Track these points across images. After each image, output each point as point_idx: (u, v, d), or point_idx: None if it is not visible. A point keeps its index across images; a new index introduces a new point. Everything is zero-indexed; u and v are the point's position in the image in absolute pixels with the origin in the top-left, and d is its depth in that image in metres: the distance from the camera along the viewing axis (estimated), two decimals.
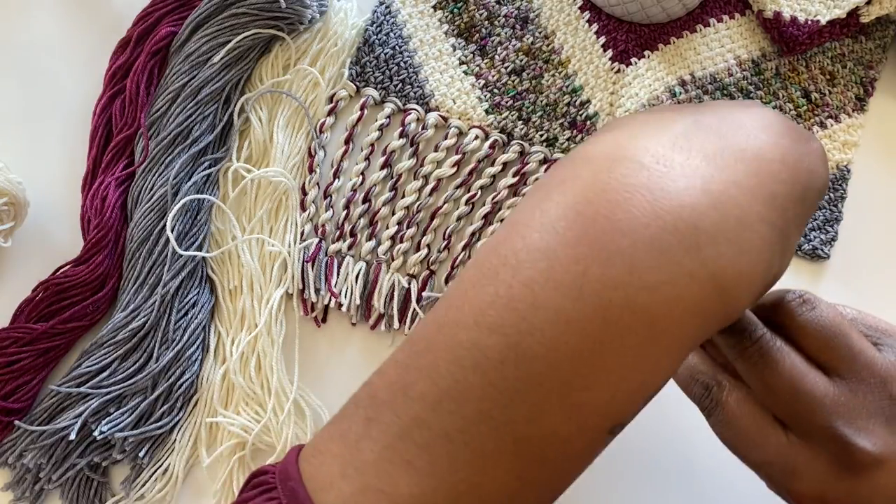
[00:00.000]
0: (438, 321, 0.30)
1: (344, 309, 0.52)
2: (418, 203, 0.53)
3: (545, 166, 0.53)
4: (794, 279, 0.54)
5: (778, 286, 0.52)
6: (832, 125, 0.57)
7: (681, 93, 0.54)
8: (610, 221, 0.28)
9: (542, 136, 0.54)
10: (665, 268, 0.28)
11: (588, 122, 0.54)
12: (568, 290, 0.28)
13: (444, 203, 0.53)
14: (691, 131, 0.31)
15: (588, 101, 0.55)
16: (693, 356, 0.39)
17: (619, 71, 0.55)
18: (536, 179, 0.53)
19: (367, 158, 0.54)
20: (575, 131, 0.54)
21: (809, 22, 0.56)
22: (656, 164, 0.29)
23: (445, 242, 0.52)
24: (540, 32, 0.56)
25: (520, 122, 0.54)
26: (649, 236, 0.28)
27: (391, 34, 0.56)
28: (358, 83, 0.55)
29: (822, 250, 0.54)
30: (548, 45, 0.56)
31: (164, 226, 0.50)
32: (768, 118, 0.33)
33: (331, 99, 0.55)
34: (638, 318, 0.28)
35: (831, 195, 0.55)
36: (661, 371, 0.29)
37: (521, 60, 0.56)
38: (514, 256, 0.29)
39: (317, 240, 0.53)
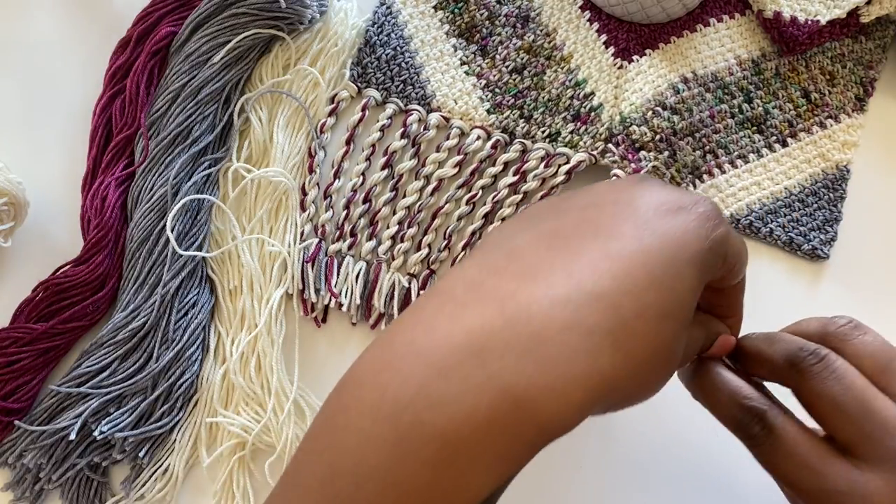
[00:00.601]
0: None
1: (344, 309, 0.52)
2: (419, 203, 0.53)
3: (544, 162, 0.53)
4: (794, 279, 0.54)
5: (780, 290, 0.52)
6: (832, 125, 0.57)
7: (683, 89, 0.54)
8: (409, 345, 0.30)
9: (544, 132, 0.54)
10: (452, 385, 0.28)
11: (592, 114, 0.54)
12: (370, 411, 0.29)
13: (446, 203, 0.53)
14: (508, 259, 0.32)
15: (592, 93, 0.55)
16: (737, 380, 0.38)
17: (621, 67, 0.55)
18: (536, 177, 0.53)
19: (368, 159, 0.54)
20: (579, 123, 0.54)
21: (809, 22, 0.56)
22: (463, 292, 0.31)
23: (446, 242, 0.52)
24: (541, 30, 0.56)
25: (521, 121, 0.54)
26: (440, 355, 0.29)
27: (392, 35, 0.56)
28: (359, 84, 0.55)
29: (821, 250, 0.54)
30: (549, 43, 0.56)
31: (164, 226, 0.50)
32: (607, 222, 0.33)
33: (332, 100, 0.55)
34: (428, 435, 0.28)
35: (831, 195, 0.55)
36: (472, 490, 0.29)
37: (522, 58, 0.56)
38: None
39: (317, 240, 0.53)
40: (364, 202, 0.53)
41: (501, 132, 0.54)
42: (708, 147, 0.54)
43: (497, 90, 0.55)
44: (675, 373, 0.39)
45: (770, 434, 0.35)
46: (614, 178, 0.48)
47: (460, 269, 0.33)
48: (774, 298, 0.53)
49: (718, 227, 0.34)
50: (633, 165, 0.52)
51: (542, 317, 0.30)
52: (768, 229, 0.54)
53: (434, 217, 0.53)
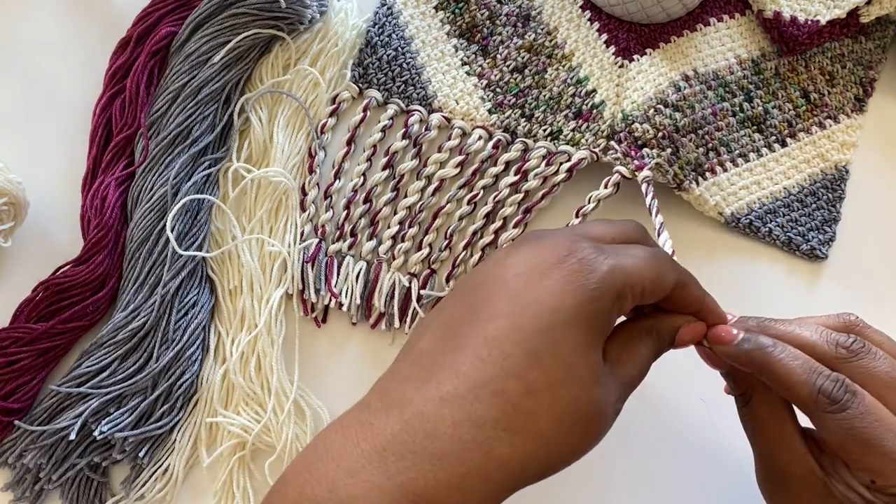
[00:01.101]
0: None
1: (344, 308, 0.52)
2: (420, 203, 0.53)
3: (546, 160, 0.53)
4: (793, 279, 0.54)
5: (779, 290, 0.52)
6: (831, 125, 0.57)
7: (685, 87, 0.54)
8: (327, 450, 0.34)
9: (545, 130, 0.54)
10: (359, 485, 0.32)
11: (594, 111, 0.54)
12: None
13: (447, 203, 0.53)
14: (412, 364, 0.35)
15: (594, 90, 0.55)
16: (802, 355, 0.38)
17: (622, 65, 0.55)
18: (537, 175, 0.53)
19: (369, 159, 0.54)
20: (580, 121, 0.54)
21: (809, 22, 0.56)
22: (376, 401, 0.35)
23: (447, 242, 0.52)
24: (542, 29, 0.56)
25: (523, 120, 0.54)
26: (350, 459, 0.33)
27: (393, 35, 0.56)
28: (361, 85, 0.55)
29: (820, 250, 0.54)
30: (550, 41, 0.56)
31: (164, 226, 0.50)
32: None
33: (333, 100, 0.55)
34: None
35: (830, 195, 0.55)
36: None
37: (523, 57, 0.56)
38: None
39: (317, 240, 0.53)
40: (365, 202, 0.53)
41: (503, 132, 0.54)
42: (710, 144, 0.54)
43: (498, 90, 0.55)
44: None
45: (855, 395, 0.36)
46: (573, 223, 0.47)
47: (380, 380, 0.36)
48: (773, 298, 0.53)
49: (601, 270, 0.34)
50: (636, 162, 0.52)
51: (435, 416, 0.32)
52: (767, 229, 0.54)
53: (435, 217, 0.53)
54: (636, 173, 0.52)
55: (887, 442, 0.36)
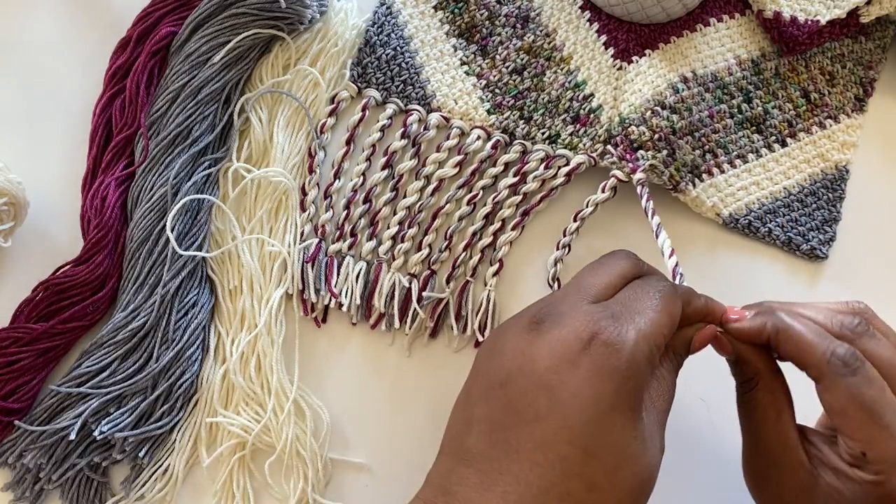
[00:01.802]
0: None
1: (344, 309, 0.52)
2: (420, 203, 0.53)
3: (544, 164, 0.53)
4: (793, 279, 0.54)
5: (779, 290, 0.52)
6: (831, 125, 0.57)
7: (683, 89, 0.54)
8: None
9: (544, 133, 0.54)
10: None
11: (592, 116, 0.54)
12: None
13: (446, 203, 0.53)
14: (467, 464, 0.36)
15: (592, 94, 0.55)
16: (811, 325, 0.39)
17: (621, 68, 0.55)
18: (536, 178, 0.53)
19: (368, 159, 0.54)
20: (578, 125, 0.54)
21: (809, 22, 0.56)
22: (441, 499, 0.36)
23: (447, 242, 0.52)
24: (541, 31, 0.56)
25: (521, 122, 0.54)
26: None
27: (392, 35, 0.56)
28: (359, 84, 0.55)
29: (820, 250, 0.54)
30: (549, 43, 0.56)
31: (164, 226, 0.50)
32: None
33: (332, 100, 0.55)
34: None
35: (830, 195, 0.55)
36: None
37: (522, 59, 0.56)
38: None
39: (317, 240, 0.53)
40: (364, 202, 0.53)
41: (501, 133, 0.54)
42: (707, 146, 0.54)
43: (497, 91, 0.55)
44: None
45: (864, 364, 0.37)
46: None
47: (434, 475, 0.37)
48: (773, 298, 0.53)
49: (627, 347, 0.35)
50: (630, 165, 0.52)
51: None
52: (767, 229, 0.54)
53: (434, 217, 0.53)
54: (631, 176, 0.52)
55: (887, 416, 0.37)
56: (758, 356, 0.41)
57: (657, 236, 0.48)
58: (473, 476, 0.35)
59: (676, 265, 0.46)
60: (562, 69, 0.56)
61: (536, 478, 0.34)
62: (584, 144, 0.54)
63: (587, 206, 0.53)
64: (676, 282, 0.46)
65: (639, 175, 0.51)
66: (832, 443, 0.40)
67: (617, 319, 0.36)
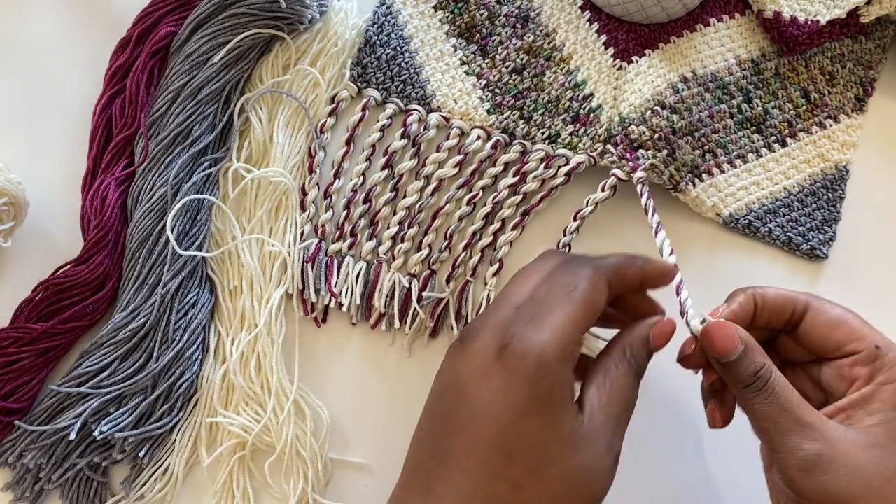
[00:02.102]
0: None
1: (344, 309, 0.52)
2: (420, 203, 0.53)
3: (544, 163, 0.53)
4: (793, 279, 0.54)
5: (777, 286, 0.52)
6: (831, 125, 0.57)
7: (683, 89, 0.54)
8: None
9: (543, 133, 0.54)
10: None
11: (591, 116, 0.54)
12: None
13: (446, 203, 0.53)
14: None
15: (591, 94, 0.55)
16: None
17: (620, 68, 0.55)
18: (536, 178, 0.53)
19: (368, 159, 0.54)
20: (578, 125, 0.54)
21: (809, 22, 0.56)
22: None
23: (447, 242, 0.52)
24: (541, 31, 0.56)
25: (521, 122, 0.54)
26: None
27: (392, 35, 0.56)
28: (359, 84, 0.55)
29: (820, 250, 0.54)
30: (549, 43, 0.56)
31: (164, 226, 0.50)
32: None
33: (332, 100, 0.55)
34: None
35: (830, 195, 0.55)
36: None
37: (522, 59, 0.56)
38: None
39: (317, 240, 0.53)
40: (364, 202, 0.53)
41: (501, 132, 0.54)
42: (707, 146, 0.54)
43: (497, 90, 0.55)
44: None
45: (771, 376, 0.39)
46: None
47: (393, 491, 0.39)
48: None
49: (534, 352, 0.36)
50: (630, 164, 0.52)
51: None
52: (767, 229, 0.54)
53: (434, 217, 0.53)
54: (631, 175, 0.52)
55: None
56: (758, 344, 0.41)
57: (656, 234, 0.48)
58: (419, 486, 0.37)
59: (675, 266, 0.46)
60: (562, 69, 0.56)
61: (465, 482, 0.35)
62: (584, 144, 0.54)
63: (587, 205, 0.53)
64: (675, 282, 0.45)
65: (639, 174, 0.51)
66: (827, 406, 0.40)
67: (528, 323, 0.37)
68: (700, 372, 0.44)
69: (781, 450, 0.38)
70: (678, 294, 0.45)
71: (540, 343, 0.36)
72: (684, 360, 0.43)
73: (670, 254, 0.47)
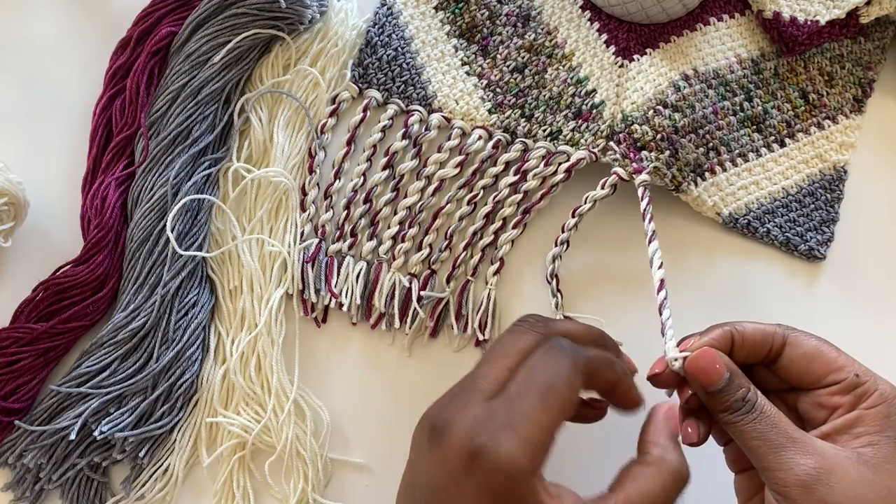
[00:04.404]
0: None
1: (344, 308, 0.52)
2: (420, 203, 0.53)
3: (545, 161, 0.53)
4: (791, 280, 0.54)
5: (777, 291, 0.52)
6: (829, 126, 0.57)
7: (685, 87, 0.54)
8: None
9: (545, 130, 0.54)
10: None
11: (594, 111, 0.54)
12: None
13: (447, 203, 0.53)
14: None
15: (594, 90, 0.55)
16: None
17: (622, 65, 0.55)
18: (536, 175, 0.53)
19: (369, 159, 0.54)
20: (580, 121, 0.54)
21: (809, 22, 0.56)
22: None
23: (447, 242, 0.53)
24: (542, 29, 0.56)
25: (523, 120, 0.54)
26: None
27: (393, 36, 0.56)
28: (360, 85, 0.55)
29: (818, 251, 0.54)
30: (551, 41, 0.56)
31: (164, 226, 0.50)
32: None
33: (333, 100, 0.55)
34: None
35: (828, 196, 0.56)
36: None
37: (523, 57, 0.56)
38: None
39: (317, 240, 0.53)
40: (365, 202, 0.53)
41: (503, 132, 0.54)
42: (711, 144, 0.54)
43: (498, 90, 0.55)
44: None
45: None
46: None
47: None
48: (771, 299, 0.53)
49: (504, 465, 0.36)
50: (634, 165, 0.52)
51: None
52: (765, 229, 0.54)
53: (435, 217, 0.53)
54: (634, 176, 0.52)
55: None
56: (743, 375, 0.41)
57: (650, 242, 0.48)
58: None
59: (662, 281, 0.46)
60: (563, 66, 0.56)
61: None
62: (586, 140, 0.54)
63: (585, 203, 0.52)
64: (660, 297, 0.45)
65: (643, 177, 0.51)
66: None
67: (499, 428, 0.36)
68: (675, 393, 0.44)
69: (778, 468, 0.38)
70: (660, 313, 0.45)
71: (511, 457, 0.35)
72: (655, 378, 0.43)
73: (659, 267, 0.46)
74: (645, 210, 0.49)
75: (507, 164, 0.54)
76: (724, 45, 0.57)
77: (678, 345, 0.43)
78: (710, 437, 0.45)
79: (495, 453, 0.35)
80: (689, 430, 0.43)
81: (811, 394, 0.41)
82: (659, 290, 0.46)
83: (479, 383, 0.38)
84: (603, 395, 0.42)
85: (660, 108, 0.53)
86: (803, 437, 0.39)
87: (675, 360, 0.42)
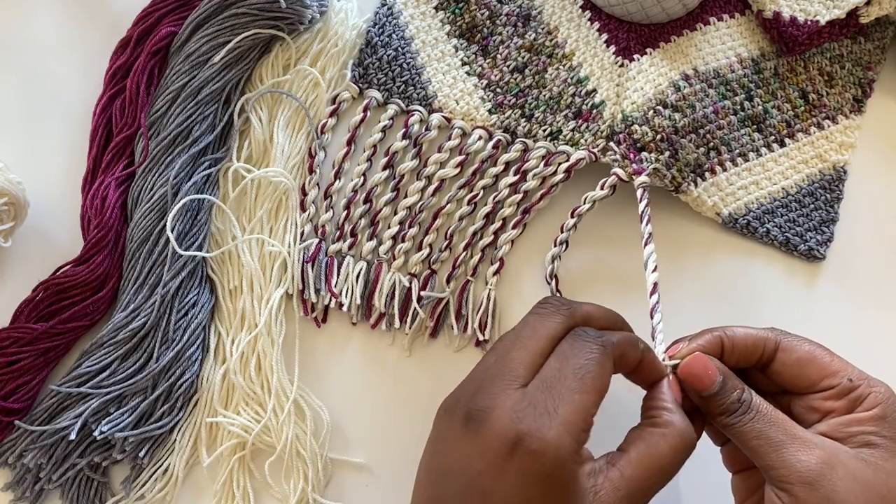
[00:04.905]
0: None
1: (345, 308, 0.52)
2: (420, 203, 0.53)
3: (545, 161, 0.53)
4: (790, 280, 0.54)
5: (777, 291, 0.52)
6: (829, 126, 0.57)
7: (685, 87, 0.54)
8: None
9: (545, 130, 0.54)
10: None
11: (594, 111, 0.54)
12: None
13: (447, 203, 0.53)
14: None
15: (594, 90, 0.55)
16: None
17: (622, 65, 0.55)
18: (536, 175, 0.53)
19: (369, 159, 0.54)
20: (580, 121, 0.54)
21: (809, 22, 0.56)
22: None
23: (447, 242, 0.53)
24: (542, 29, 0.56)
25: (523, 120, 0.54)
26: None
27: (394, 36, 0.56)
28: (361, 85, 0.55)
29: (818, 251, 0.54)
30: (551, 41, 0.56)
31: (164, 226, 0.50)
32: None
33: (334, 100, 0.55)
34: None
35: (828, 196, 0.56)
36: None
37: (523, 57, 0.56)
38: None
39: (317, 240, 0.53)
40: (365, 202, 0.53)
41: (503, 132, 0.54)
42: (712, 143, 0.54)
43: (498, 90, 0.55)
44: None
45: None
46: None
47: None
48: (771, 299, 0.53)
49: (551, 449, 0.36)
50: (634, 166, 0.52)
51: None
52: (765, 229, 0.54)
53: (435, 217, 0.53)
54: (633, 177, 0.51)
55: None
56: (735, 376, 0.41)
57: (645, 245, 0.47)
58: None
59: (655, 284, 0.46)
60: (564, 65, 0.56)
61: None
62: (586, 140, 0.54)
63: (585, 203, 0.52)
64: (652, 301, 0.45)
65: (642, 178, 0.51)
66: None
67: (541, 414, 0.36)
68: None
69: (780, 466, 0.38)
70: (652, 317, 0.45)
71: (555, 441, 0.36)
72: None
73: (653, 270, 0.46)
74: (643, 212, 0.49)
75: (507, 165, 0.54)
76: (724, 44, 0.57)
77: (667, 350, 0.43)
78: (710, 438, 0.45)
79: (541, 438, 0.36)
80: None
81: (805, 398, 0.41)
82: (651, 294, 0.46)
83: (512, 369, 0.39)
84: (628, 375, 0.42)
85: (660, 108, 0.53)
86: (804, 433, 0.39)
87: (665, 366, 0.42)
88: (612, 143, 0.53)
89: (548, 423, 0.36)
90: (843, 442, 0.39)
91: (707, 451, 0.43)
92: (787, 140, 0.56)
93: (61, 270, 0.51)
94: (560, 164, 0.53)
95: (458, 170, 0.53)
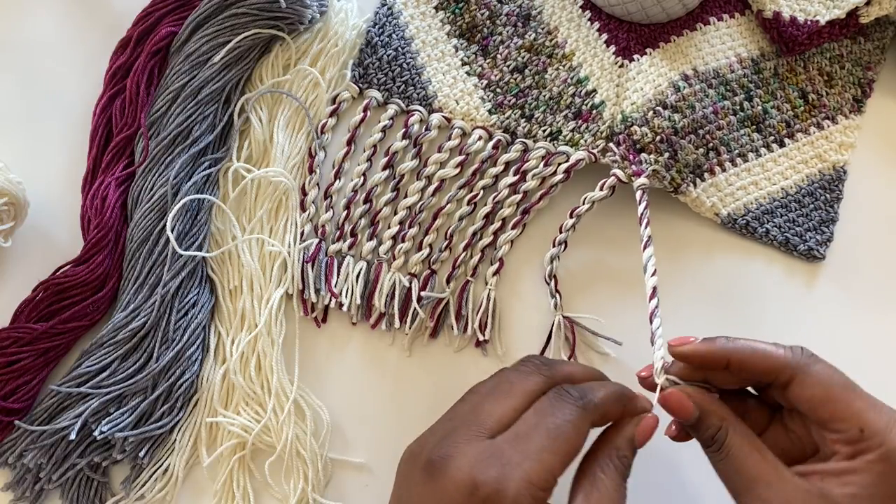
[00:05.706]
0: None
1: (345, 308, 0.52)
2: (420, 203, 0.53)
3: (544, 161, 0.53)
4: (790, 280, 0.54)
5: (776, 291, 0.52)
6: (829, 126, 0.57)
7: (684, 87, 0.54)
8: None
9: (545, 130, 0.54)
10: None
11: (594, 111, 0.54)
12: None
13: (447, 203, 0.53)
14: None
15: (594, 90, 0.55)
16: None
17: (622, 65, 0.55)
18: (535, 176, 0.53)
19: (369, 159, 0.54)
20: (580, 121, 0.54)
21: (809, 22, 0.56)
22: None
23: (447, 242, 0.53)
24: (542, 29, 0.56)
25: (523, 120, 0.54)
26: None
27: (394, 36, 0.56)
28: (361, 85, 0.55)
29: (817, 251, 0.54)
30: (551, 41, 0.56)
31: (164, 226, 0.50)
32: None
33: (334, 100, 0.55)
34: None
35: (827, 196, 0.56)
36: None
37: (523, 57, 0.56)
38: None
39: (317, 240, 0.53)
40: (365, 202, 0.53)
41: (503, 132, 0.54)
42: (711, 144, 0.54)
43: (498, 90, 0.55)
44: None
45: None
46: None
47: None
48: (770, 299, 0.53)
49: (509, 488, 0.35)
50: (633, 167, 0.52)
51: None
52: (765, 229, 0.54)
53: (435, 217, 0.53)
54: (632, 179, 0.51)
55: (859, 387, 0.39)
56: (718, 404, 0.41)
57: (644, 248, 0.47)
58: None
59: (655, 289, 0.46)
60: (564, 65, 0.56)
61: None
62: (586, 140, 0.54)
63: (584, 203, 0.52)
64: (651, 305, 0.45)
65: (642, 180, 0.51)
66: (810, 462, 0.40)
67: (503, 465, 0.36)
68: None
69: None
70: (651, 321, 0.45)
71: (513, 494, 0.35)
72: (643, 381, 0.43)
73: (653, 274, 0.46)
74: (642, 215, 0.49)
75: (507, 165, 0.54)
76: (724, 44, 0.57)
77: (672, 341, 0.43)
78: None
79: (498, 490, 0.35)
80: (673, 426, 0.43)
81: (819, 429, 0.40)
82: (651, 298, 0.46)
83: (482, 420, 0.38)
84: (618, 417, 0.42)
85: (659, 108, 0.53)
86: (765, 477, 0.38)
87: (661, 349, 0.43)
88: (611, 144, 0.53)
89: (509, 475, 0.36)
90: (833, 486, 0.38)
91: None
92: (786, 140, 0.56)
93: (61, 270, 0.51)
94: (560, 164, 0.53)
95: (457, 170, 0.53)
